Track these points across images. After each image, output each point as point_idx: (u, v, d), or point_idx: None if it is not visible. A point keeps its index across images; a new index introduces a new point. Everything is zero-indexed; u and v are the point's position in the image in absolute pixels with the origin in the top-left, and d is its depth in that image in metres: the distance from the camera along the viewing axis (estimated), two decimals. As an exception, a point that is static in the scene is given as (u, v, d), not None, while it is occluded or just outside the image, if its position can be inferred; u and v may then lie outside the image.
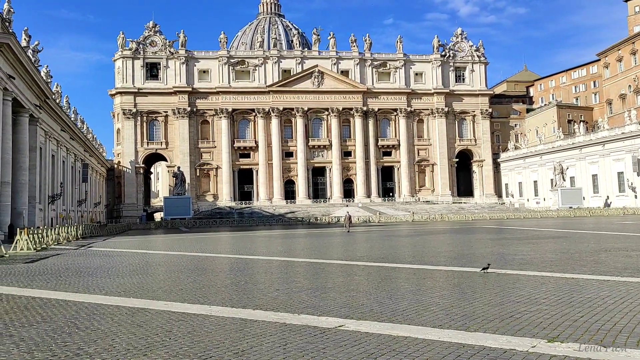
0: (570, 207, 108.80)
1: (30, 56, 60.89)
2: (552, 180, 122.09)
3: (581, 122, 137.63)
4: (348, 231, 56.78)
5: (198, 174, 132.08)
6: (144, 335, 10.43)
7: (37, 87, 62.77)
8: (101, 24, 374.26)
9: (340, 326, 10.75)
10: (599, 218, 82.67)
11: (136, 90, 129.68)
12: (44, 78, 68.00)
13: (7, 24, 51.84)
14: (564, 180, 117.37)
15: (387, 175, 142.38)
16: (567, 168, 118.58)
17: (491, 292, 14.56)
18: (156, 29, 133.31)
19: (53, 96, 73.69)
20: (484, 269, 18.58)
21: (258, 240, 47.16)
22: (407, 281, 17.75)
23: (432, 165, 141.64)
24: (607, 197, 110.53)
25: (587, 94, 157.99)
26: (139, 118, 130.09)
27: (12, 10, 55.09)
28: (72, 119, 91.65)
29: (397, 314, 11.88)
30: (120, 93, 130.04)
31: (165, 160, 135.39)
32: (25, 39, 63.34)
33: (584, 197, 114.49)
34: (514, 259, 23.33)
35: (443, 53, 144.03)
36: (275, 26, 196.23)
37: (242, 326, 11.04)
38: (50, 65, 79.27)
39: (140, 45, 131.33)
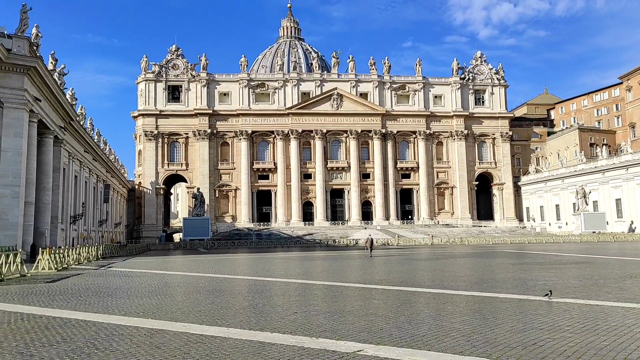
0: (594, 232, 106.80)
1: (56, 79, 62.42)
2: (574, 204, 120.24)
3: (604, 146, 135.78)
4: (370, 255, 52.40)
5: (217, 195, 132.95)
6: (162, 356, 10.42)
7: (62, 110, 64.17)
8: (125, 47, 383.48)
9: (358, 351, 10.62)
10: (623, 243, 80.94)
11: (158, 113, 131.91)
12: (69, 100, 69.55)
13: (34, 47, 53.33)
14: (587, 204, 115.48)
15: (405, 197, 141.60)
16: (590, 192, 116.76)
17: (513, 319, 14.28)
18: (178, 53, 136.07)
19: (77, 118, 75.22)
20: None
21: (276, 262, 47.07)
22: (426, 306, 17.51)
23: (452, 188, 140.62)
24: (632, 222, 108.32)
25: (609, 117, 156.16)
26: (160, 140, 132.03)
27: (39, 34, 56.72)
28: (95, 140, 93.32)
29: (416, 339, 11.70)
30: (143, 115, 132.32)
31: (185, 181, 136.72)
32: (51, 63, 65.02)
33: (607, 222, 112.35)
34: (536, 285, 22.91)
35: (462, 76, 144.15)
36: (295, 49, 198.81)
37: (260, 349, 10.97)
38: (76, 88, 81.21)
39: (163, 69, 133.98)
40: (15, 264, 32.57)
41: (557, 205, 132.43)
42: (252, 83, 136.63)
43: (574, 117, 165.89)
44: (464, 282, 25.03)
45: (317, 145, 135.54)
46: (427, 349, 10.76)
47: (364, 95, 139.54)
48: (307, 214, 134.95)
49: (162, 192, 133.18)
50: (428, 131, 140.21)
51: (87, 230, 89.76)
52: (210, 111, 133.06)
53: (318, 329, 13.26)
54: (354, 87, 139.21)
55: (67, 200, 73.56)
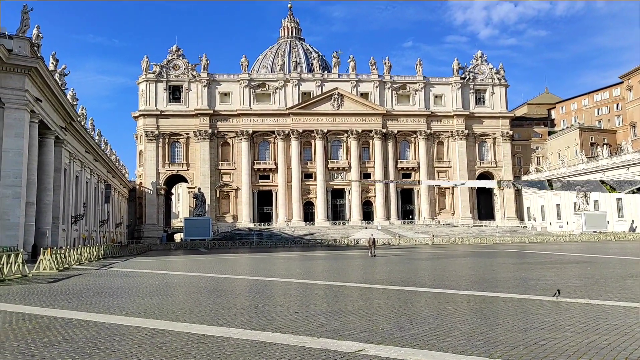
0: (594, 232, 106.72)
1: (57, 80, 62.45)
2: (575, 203, 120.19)
3: (604, 145, 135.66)
4: (373, 255, 51.90)
5: (218, 195, 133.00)
6: (163, 356, 10.42)
7: (63, 110, 64.20)
8: (126, 48, 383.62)
9: (360, 350, 10.62)
10: (624, 243, 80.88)
11: (159, 113, 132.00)
12: (70, 101, 69.56)
13: (35, 48, 53.37)
14: (588, 204, 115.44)
15: (406, 197, 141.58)
16: (591, 192, 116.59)
17: (514, 318, 14.28)
18: (179, 53, 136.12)
19: (78, 118, 75.25)
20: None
21: (277, 262, 47.07)
22: (427, 305, 17.51)
23: (452, 187, 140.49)
24: (632, 221, 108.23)
25: (610, 117, 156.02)
26: (161, 140, 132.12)
27: (40, 35, 56.78)
28: (96, 140, 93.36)
29: (417, 339, 11.70)
30: (143, 115, 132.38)
31: (186, 181, 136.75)
32: (52, 63, 65.07)
33: (608, 221, 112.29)
34: (537, 284, 22.90)
35: (463, 75, 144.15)
36: (296, 49, 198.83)
37: (261, 349, 10.98)
38: (77, 88, 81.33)
39: (164, 69, 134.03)
40: (16, 264, 32.59)
41: (557, 205, 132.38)
42: (253, 83, 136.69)
43: (575, 117, 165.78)
44: (465, 282, 25.03)
45: (318, 145, 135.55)
46: (428, 348, 10.77)
47: (364, 95, 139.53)
48: (308, 214, 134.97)
49: (163, 192, 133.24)
50: (429, 131, 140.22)
51: (88, 230, 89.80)
52: (211, 111, 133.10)
53: (319, 328, 13.26)
54: (354, 87, 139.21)
55: (68, 200, 73.60)
